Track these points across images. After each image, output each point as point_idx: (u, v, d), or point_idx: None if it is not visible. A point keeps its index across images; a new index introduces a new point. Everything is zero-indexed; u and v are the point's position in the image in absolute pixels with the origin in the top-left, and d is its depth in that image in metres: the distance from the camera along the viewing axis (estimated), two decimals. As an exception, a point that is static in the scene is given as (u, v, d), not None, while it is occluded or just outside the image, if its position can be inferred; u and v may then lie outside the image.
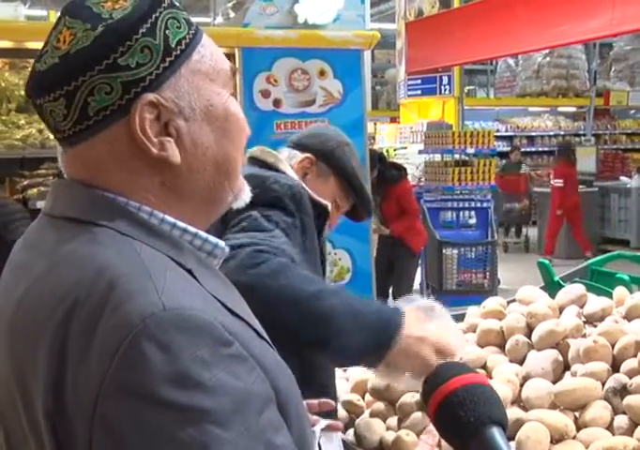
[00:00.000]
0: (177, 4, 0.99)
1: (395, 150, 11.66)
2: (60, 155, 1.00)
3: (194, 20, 1.02)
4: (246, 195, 1.08)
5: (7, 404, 0.93)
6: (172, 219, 0.96)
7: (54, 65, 0.92)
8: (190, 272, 0.91)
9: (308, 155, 2.01)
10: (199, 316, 0.84)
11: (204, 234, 1.00)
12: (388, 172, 6.61)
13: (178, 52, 0.95)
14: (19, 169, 5.04)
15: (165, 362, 0.79)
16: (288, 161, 1.98)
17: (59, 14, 0.97)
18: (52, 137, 5.03)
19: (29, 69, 0.97)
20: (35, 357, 0.86)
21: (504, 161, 12.85)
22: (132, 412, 0.79)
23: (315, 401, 1.55)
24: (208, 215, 1.04)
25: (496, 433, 1.14)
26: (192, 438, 0.79)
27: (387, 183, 6.50)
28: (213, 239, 1.01)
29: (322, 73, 5.14)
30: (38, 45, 0.98)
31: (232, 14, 10.32)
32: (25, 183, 4.83)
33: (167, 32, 0.94)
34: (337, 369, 2.02)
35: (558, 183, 10.95)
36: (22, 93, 5.27)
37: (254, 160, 1.93)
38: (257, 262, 1.50)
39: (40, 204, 4.68)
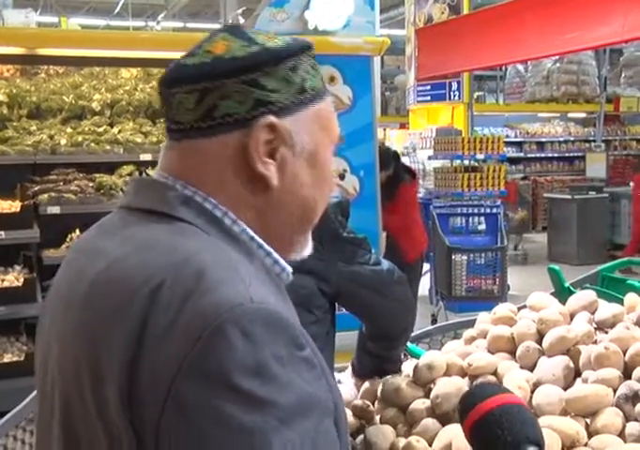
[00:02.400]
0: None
1: (404, 156, 11.64)
2: (163, 150, 1.05)
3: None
4: (307, 251, 1.11)
5: (70, 380, 0.94)
6: (251, 232, 1.01)
7: (204, 63, 0.99)
8: None
9: None
10: (282, 314, 0.89)
11: (275, 255, 1.03)
12: (401, 173, 6.60)
13: (309, 94, 1.04)
14: (30, 174, 5.06)
15: (246, 351, 0.83)
16: None
17: (216, 30, 1.07)
18: (62, 143, 5.05)
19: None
20: (111, 334, 0.88)
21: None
22: (206, 393, 0.82)
23: None
24: (278, 251, 1.06)
25: None
26: (256, 424, 0.81)
27: (396, 184, 6.46)
28: (283, 263, 1.05)
29: (332, 79, 5.15)
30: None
31: (242, 20, 10.32)
32: (36, 188, 4.85)
33: (305, 75, 1.04)
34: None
35: None
36: (34, 99, 5.28)
37: None
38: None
39: (51, 210, 4.69)
